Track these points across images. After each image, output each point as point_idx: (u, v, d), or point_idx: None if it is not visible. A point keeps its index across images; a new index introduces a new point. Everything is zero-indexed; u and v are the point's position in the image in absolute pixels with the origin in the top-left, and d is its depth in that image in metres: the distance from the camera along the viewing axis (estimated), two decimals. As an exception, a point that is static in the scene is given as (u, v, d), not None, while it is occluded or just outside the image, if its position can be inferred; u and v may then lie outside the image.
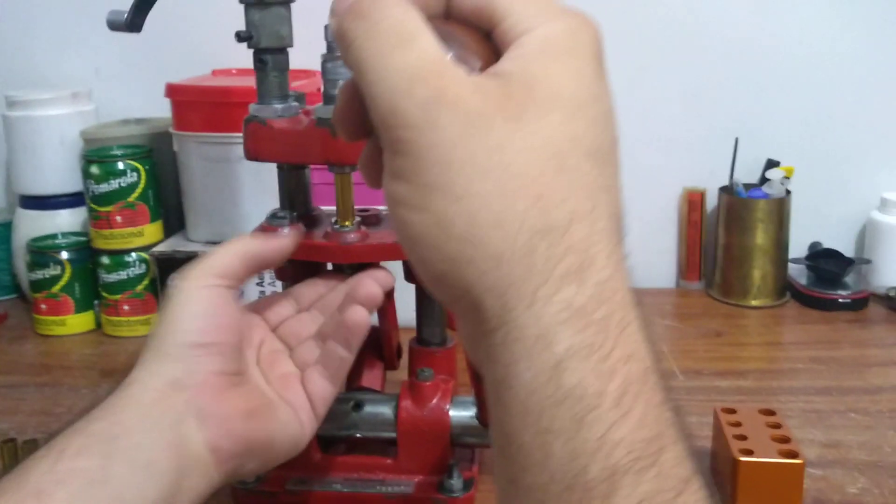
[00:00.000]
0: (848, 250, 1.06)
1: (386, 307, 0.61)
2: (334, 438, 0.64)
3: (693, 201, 1.05)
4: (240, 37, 0.57)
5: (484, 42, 0.31)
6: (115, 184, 0.94)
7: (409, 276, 0.62)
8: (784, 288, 1.03)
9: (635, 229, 1.02)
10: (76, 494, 0.38)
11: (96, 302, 0.99)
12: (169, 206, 1.01)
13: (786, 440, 0.61)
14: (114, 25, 0.57)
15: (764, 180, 1.01)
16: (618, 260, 0.28)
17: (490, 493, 0.64)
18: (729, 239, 1.01)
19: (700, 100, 1.05)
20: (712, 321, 0.97)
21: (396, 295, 0.61)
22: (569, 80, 0.29)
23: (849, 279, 1.02)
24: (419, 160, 0.28)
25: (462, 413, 0.62)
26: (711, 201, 1.06)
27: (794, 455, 0.59)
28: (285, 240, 0.53)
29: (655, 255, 1.10)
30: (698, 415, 0.71)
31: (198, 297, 0.47)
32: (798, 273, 1.04)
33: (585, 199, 0.28)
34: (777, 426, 0.63)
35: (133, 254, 0.96)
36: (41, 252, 0.97)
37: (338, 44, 0.30)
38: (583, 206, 0.28)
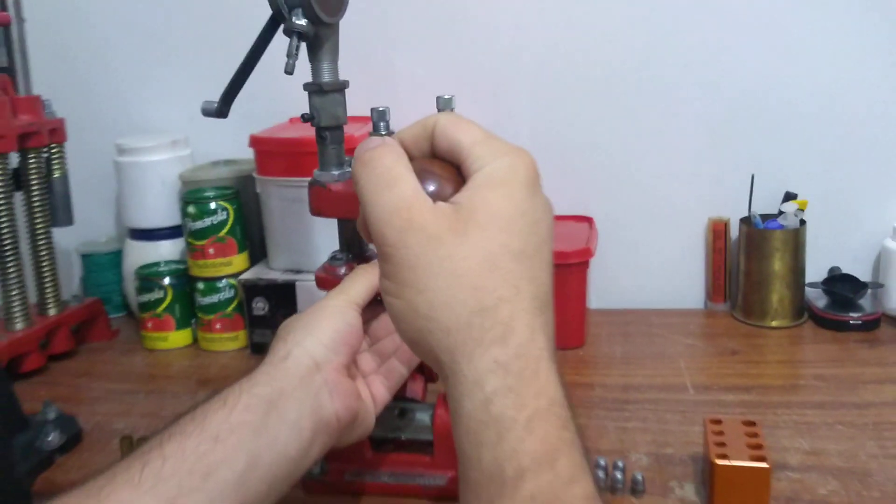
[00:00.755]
0: (865, 275, 1.15)
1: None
2: (383, 439, 0.77)
3: (717, 230, 1.16)
4: (304, 118, 0.72)
5: (456, 173, 0.45)
6: (208, 221, 1.10)
7: None
8: (801, 310, 1.12)
9: (667, 255, 1.16)
10: (243, 440, 0.52)
11: (193, 321, 1.16)
12: (253, 239, 1.17)
13: (759, 447, 0.71)
14: (207, 113, 0.72)
15: (781, 212, 1.11)
16: (536, 327, 0.41)
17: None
18: (749, 265, 1.12)
19: (722, 137, 1.15)
20: (731, 340, 1.08)
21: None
22: (502, 204, 0.42)
23: (863, 302, 1.10)
24: (396, 266, 0.42)
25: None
26: (735, 230, 1.16)
27: (762, 460, 0.70)
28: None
29: (686, 279, 1.20)
30: (700, 425, 0.81)
31: (345, 312, 0.62)
32: (816, 296, 1.13)
33: (511, 287, 0.41)
34: (754, 435, 0.73)
35: (224, 280, 1.12)
36: (147, 278, 1.15)
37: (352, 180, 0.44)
38: (508, 293, 0.41)
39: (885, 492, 0.72)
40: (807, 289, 1.13)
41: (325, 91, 0.71)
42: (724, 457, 0.70)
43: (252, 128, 1.12)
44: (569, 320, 1.06)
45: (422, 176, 0.44)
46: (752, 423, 0.76)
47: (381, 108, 0.69)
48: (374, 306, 0.72)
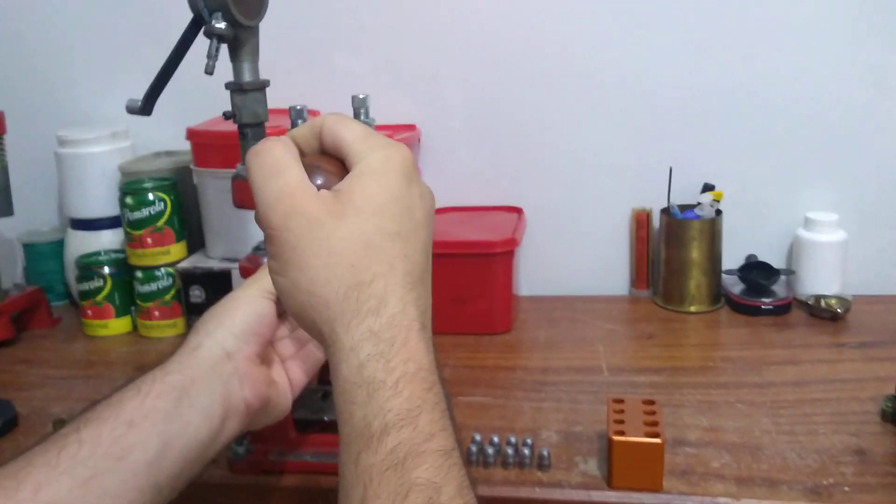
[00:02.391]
0: (780, 263, 1.21)
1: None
2: (307, 421, 0.81)
3: (640, 220, 1.21)
4: (225, 115, 0.75)
5: (341, 167, 0.49)
6: (146, 211, 1.13)
7: None
8: (718, 296, 1.18)
9: (594, 244, 1.21)
10: (156, 424, 0.55)
11: (132, 308, 1.19)
12: (192, 229, 1.20)
13: (655, 424, 0.77)
14: (131, 110, 0.75)
15: (699, 203, 1.16)
16: (408, 301, 0.46)
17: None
18: (668, 253, 1.17)
19: (644, 131, 1.20)
20: (649, 325, 1.13)
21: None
22: (377, 191, 0.47)
23: (776, 288, 1.17)
24: (280, 247, 0.46)
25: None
26: (658, 220, 1.21)
27: (656, 436, 0.75)
28: None
29: (611, 267, 1.26)
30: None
31: (257, 302, 0.65)
32: (733, 282, 1.19)
33: (385, 264, 0.46)
34: (652, 413, 0.79)
35: (161, 269, 1.15)
36: (87, 267, 1.17)
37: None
38: (383, 269, 0.46)
39: (772, 464, 0.78)
40: (724, 276, 1.19)
41: (246, 90, 0.75)
42: (621, 433, 0.75)
43: (193, 120, 1.15)
44: (495, 307, 1.11)
45: (310, 170, 0.48)
46: (651, 402, 0.81)
47: (298, 107, 0.74)
48: None
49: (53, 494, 0.50)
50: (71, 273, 1.23)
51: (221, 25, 0.71)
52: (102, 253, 1.20)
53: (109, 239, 1.24)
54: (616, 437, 0.75)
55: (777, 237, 1.22)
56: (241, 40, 0.73)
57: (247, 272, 0.78)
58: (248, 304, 0.65)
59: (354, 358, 0.44)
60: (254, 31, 0.74)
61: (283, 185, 0.47)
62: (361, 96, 0.75)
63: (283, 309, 0.73)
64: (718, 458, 0.79)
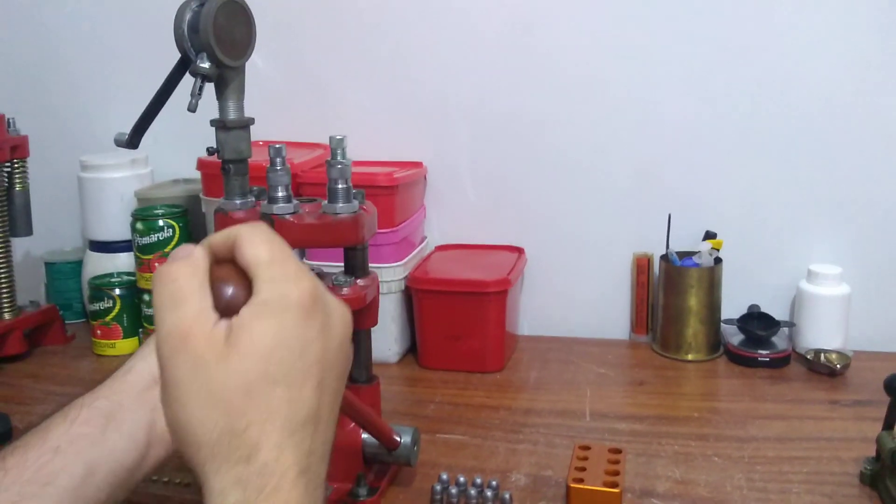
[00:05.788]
0: (783, 314, 1.20)
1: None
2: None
3: (641, 265, 1.21)
4: (209, 152, 0.78)
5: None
6: (154, 237, 1.17)
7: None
8: (717, 345, 1.17)
9: (595, 287, 1.21)
10: (81, 450, 0.56)
11: (141, 330, 1.23)
12: (200, 255, 1.24)
13: (616, 473, 0.77)
14: (119, 143, 0.79)
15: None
16: (287, 446, 0.46)
17: (397, 500, 0.82)
18: (667, 300, 1.17)
19: (647, 177, 1.21)
20: (642, 371, 1.13)
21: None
22: (266, 334, 0.47)
23: (776, 340, 1.15)
24: (165, 381, 0.48)
25: (373, 438, 0.81)
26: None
27: (615, 486, 0.75)
28: None
29: (612, 311, 1.26)
30: (583, 450, 0.87)
31: None
32: (733, 332, 1.18)
33: (263, 412, 0.46)
34: (616, 462, 0.79)
35: (168, 293, 1.19)
36: (98, 288, 1.22)
37: None
38: (259, 417, 0.46)
39: (737, 521, 0.77)
40: (724, 325, 1.18)
41: (229, 127, 0.78)
42: (580, 480, 0.76)
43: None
44: (487, 346, 1.12)
45: (217, 284, 0.48)
46: (617, 451, 0.81)
47: (339, 136, 0.77)
48: None
49: None
50: (86, 293, 1.28)
51: (206, 65, 0.74)
52: (115, 275, 1.25)
53: (124, 262, 1.28)
54: (574, 485, 0.75)
55: (780, 288, 1.20)
56: (225, 79, 0.77)
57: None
58: None
59: (223, 501, 0.45)
60: (239, 71, 0.77)
61: (178, 320, 0.47)
62: (339, 137, 0.77)
63: None
64: (683, 512, 0.79)
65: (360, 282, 0.80)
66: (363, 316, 0.83)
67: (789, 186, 1.18)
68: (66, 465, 0.56)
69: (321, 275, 0.82)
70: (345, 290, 0.78)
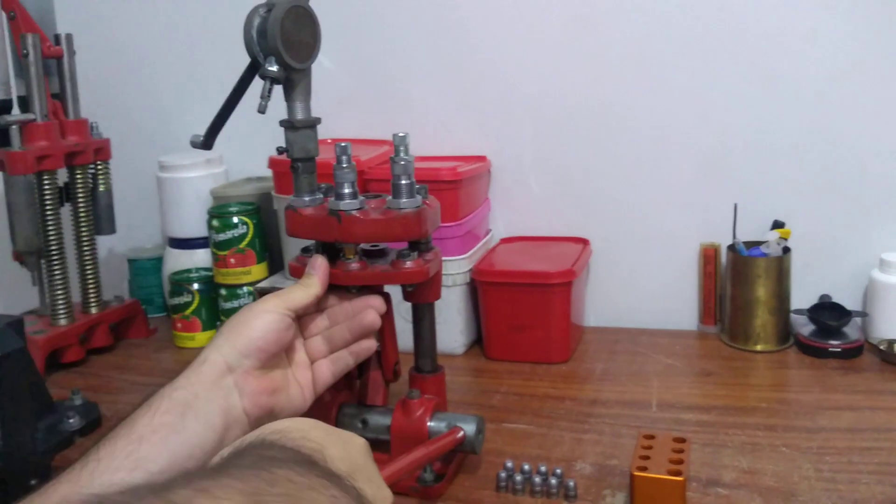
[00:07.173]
0: (855, 304, 1.17)
1: (384, 329, 0.83)
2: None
3: (708, 255, 1.20)
4: (279, 151, 0.82)
5: None
6: (229, 234, 1.22)
7: (407, 296, 0.84)
8: (787, 335, 1.16)
9: (661, 278, 1.22)
10: (164, 439, 0.62)
11: (218, 322, 1.28)
12: (273, 251, 1.28)
13: (680, 462, 0.77)
14: (194, 145, 0.83)
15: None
16: None
17: (463, 487, 0.84)
18: (734, 290, 1.16)
19: (713, 166, 1.20)
20: (710, 362, 1.12)
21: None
22: None
23: (848, 330, 1.13)
24: None
25: (439, 424, 0.83)
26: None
27: (678, 474, 0.75)
28: (315, 289, 0.77)
29: (679, 301, 1.25)
30: (648, 440, 0.87)
31: (268, 319, 0.71)
32: (803, 322, 1.16)
33: None
34: (680, 451, 0.79)
35: (243, 287, 1.24)
36: (178, 283, 1.27)
37: None
38: None
39: (804, 512, 0.77)
40: (794, 315, 1.16)
41: (297, 127, 0.81)
42: (643, 468, 0.76)
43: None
44: (552, 336, 1.13)
45: None
46: (681, 440, 0.81)
47: (401, 134, 0.80)
48: (337, 291, 0.80)
49: None
50: (166, 288, 1.33)
51: (274, 69, 0.77)
52: (193, 270, 1.30)
53: (202, 258, 1.33)
54: (637, 473, 0.76)
55: (852, 277, 1.18)
56: (293, 82, 0.80)
57: (295, 271, 0.83)
58: (259, 319, 0.71)
59: None
60: (305, 73, 0.80)
61: None
62: (401, 134, 0.80)
63: (317, 305, 0.79)
64: (749, 501, 0.79)
65: (423, 256, 0.82)
66: (426, 289, 0.85)
67: (859, 174, 1.15)
68: (150, 452, 0.60)
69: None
70: (408, 264, 0.81)
